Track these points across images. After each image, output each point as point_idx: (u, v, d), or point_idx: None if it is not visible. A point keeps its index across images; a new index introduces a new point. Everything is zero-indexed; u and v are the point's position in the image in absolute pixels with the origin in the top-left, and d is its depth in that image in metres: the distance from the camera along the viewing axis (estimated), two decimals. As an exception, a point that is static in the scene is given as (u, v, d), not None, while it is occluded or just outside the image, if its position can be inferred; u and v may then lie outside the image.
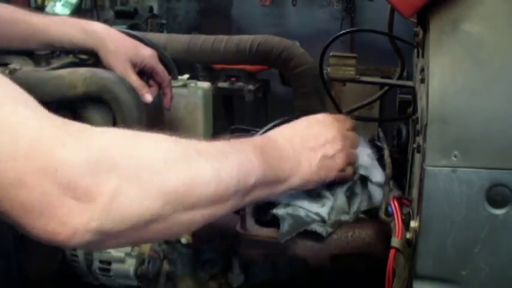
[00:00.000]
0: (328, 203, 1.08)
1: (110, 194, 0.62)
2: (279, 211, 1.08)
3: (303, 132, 1.00)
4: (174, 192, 0.69)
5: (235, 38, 1.77)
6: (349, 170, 1.07)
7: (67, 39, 1.27)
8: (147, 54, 1.32)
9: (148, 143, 0.71)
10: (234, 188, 0.78)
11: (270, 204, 1.13)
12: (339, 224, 1.08)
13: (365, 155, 1.17)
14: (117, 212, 0.62)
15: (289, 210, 1.08)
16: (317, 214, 1.07)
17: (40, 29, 1.26)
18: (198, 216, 0.75)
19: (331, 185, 1.08)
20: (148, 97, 1.27)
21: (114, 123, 1.26)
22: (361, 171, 1.13)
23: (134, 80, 1.26)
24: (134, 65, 1.29)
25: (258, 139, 0.93)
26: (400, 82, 1.49)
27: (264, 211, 1.13)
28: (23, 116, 0.61)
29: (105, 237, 0.63)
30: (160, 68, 1.34)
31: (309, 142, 0.98)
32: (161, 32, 3.47)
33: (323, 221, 1.06)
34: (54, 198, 0.59)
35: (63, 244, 0.61)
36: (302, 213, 1.07)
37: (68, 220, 0.60)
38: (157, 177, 0.67)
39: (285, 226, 1.04)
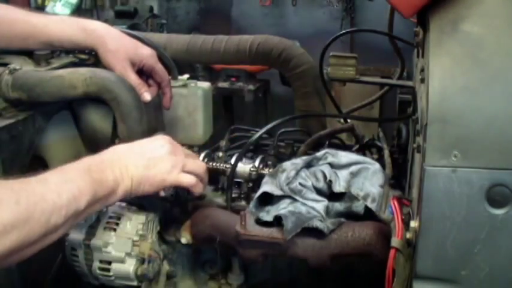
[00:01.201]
0: (323, 203, 1.10)
1: None
2: (281, 211, 1.08)
3: (132, 145, 1.09)
4: (14, 246, 0.78)
5: (235, 38, 1.77)
6: (188, 178, 1.10)
7: (66, 38, 1.27)
8: (146, 53, 1.32)
9: None
10: (64, 219, 0.87)
11: (270, 200, 1.13)
12: (339, 223, 1.09)
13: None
14: None
15: (290, 208, 1.09)
16: (312, 208, 1.07)
17: (40, 28, 1.26)
18: (36, 249, 0.85)
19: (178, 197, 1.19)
20: (147, 96, 1.27)
21: (114, 123, 1.26)
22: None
23: (133, 79, 1.26)
24: (133, 64, 1.29)
25: (85, 160, 0.99)
26: (400, 82, 1.49)
27: (263, 208, 1.14)
28: None
29: None
30: (159, 68, 1.34)
31: (134, 148, 1.07)
32: (161, 32, 3.47)
33: (323, 217, 1.07)
34: None
35: None
36: (303, 210, 1.08)
37: None
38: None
39: (288, 223, 1.05)
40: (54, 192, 0.87)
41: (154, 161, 1.06)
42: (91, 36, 1.27)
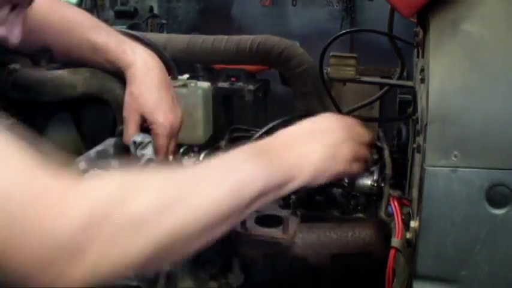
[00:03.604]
0: None
1: (101, 249, 0.64)
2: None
3: (302, 127, 0.94)
4: (166, 238, 0.69)
5: (235, 38, 1.77)
6: (356, 166, 0.97)
7: (112, 66, 1.19)
8: (159, 122, 1.16)
9: (141, 190, 0.70)
10: (228, 212, 0.76)
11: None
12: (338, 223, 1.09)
13: None
14: (109, 263, 0.65)
15: None
16: None
17: (101, 52, 1.19)
18: (194, 247, 0.75)
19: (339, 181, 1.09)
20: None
21: (114, 123, 1.26)
22: None
23: (127, 133, 1.16)
24: (143, 121, 1.17)
25: (257, 143, 0.90)
26: (400, 82, 1.49)
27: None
28: (14, 176, 0.64)
29: (101, 280, 0.66)
30: (158, 141, 1.16)
31: (308, 134, 0.92)
32: (161, 32, 3.47)
33: None
34: (50, 255, 0.63)
35: None
36: None
37: (65, 273, 0.64)
38: (148, 226, 0.67)
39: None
40: (215, 178, 0.76)
41: (335, 149, 0.90)
42: (127, 70, 1.17)
